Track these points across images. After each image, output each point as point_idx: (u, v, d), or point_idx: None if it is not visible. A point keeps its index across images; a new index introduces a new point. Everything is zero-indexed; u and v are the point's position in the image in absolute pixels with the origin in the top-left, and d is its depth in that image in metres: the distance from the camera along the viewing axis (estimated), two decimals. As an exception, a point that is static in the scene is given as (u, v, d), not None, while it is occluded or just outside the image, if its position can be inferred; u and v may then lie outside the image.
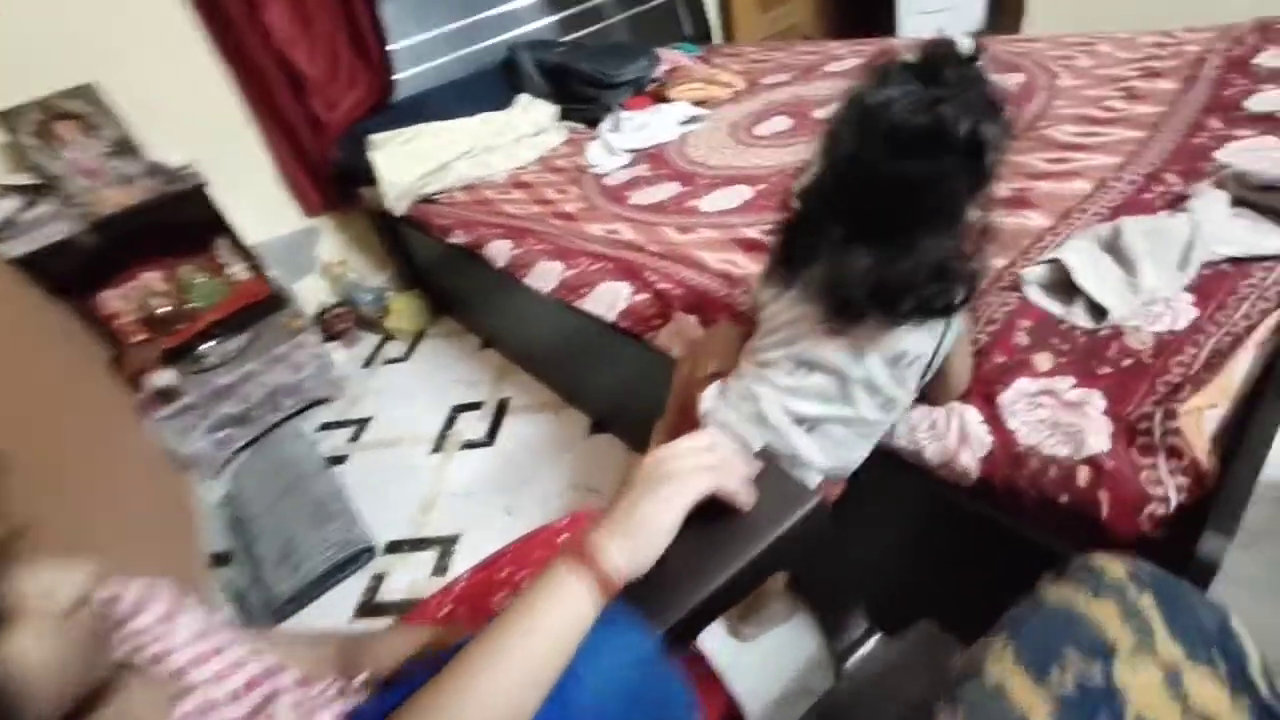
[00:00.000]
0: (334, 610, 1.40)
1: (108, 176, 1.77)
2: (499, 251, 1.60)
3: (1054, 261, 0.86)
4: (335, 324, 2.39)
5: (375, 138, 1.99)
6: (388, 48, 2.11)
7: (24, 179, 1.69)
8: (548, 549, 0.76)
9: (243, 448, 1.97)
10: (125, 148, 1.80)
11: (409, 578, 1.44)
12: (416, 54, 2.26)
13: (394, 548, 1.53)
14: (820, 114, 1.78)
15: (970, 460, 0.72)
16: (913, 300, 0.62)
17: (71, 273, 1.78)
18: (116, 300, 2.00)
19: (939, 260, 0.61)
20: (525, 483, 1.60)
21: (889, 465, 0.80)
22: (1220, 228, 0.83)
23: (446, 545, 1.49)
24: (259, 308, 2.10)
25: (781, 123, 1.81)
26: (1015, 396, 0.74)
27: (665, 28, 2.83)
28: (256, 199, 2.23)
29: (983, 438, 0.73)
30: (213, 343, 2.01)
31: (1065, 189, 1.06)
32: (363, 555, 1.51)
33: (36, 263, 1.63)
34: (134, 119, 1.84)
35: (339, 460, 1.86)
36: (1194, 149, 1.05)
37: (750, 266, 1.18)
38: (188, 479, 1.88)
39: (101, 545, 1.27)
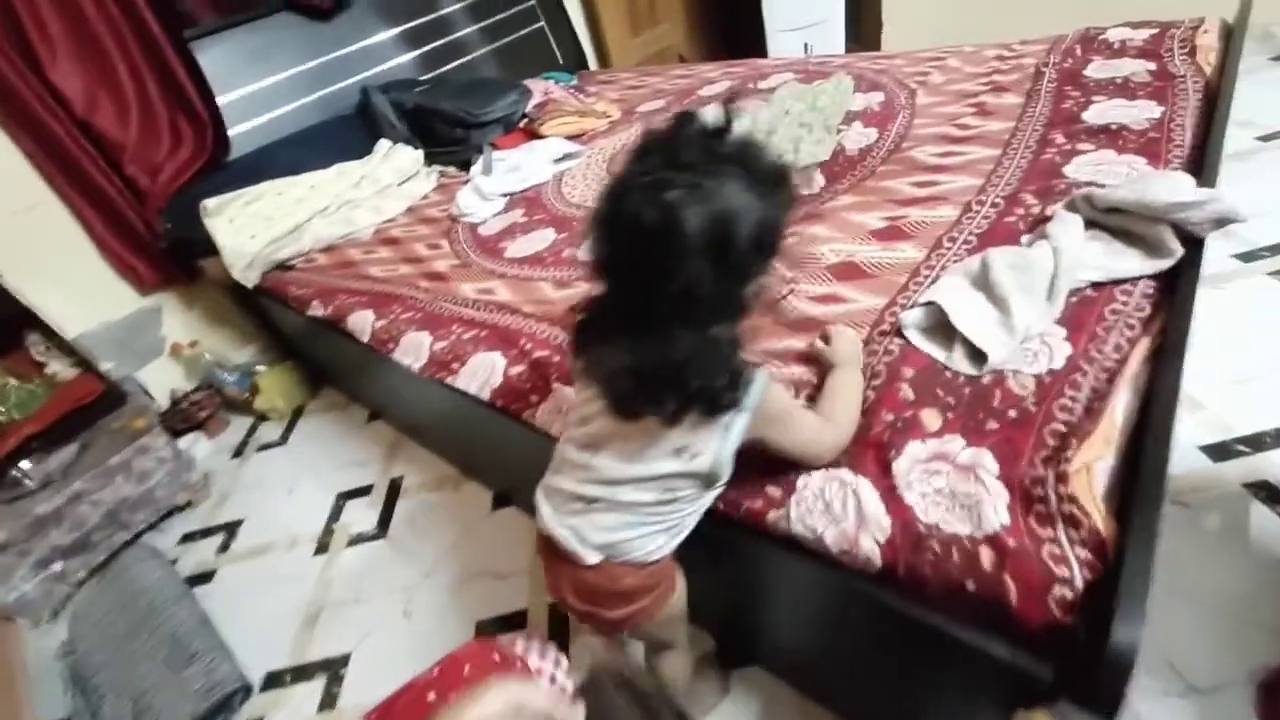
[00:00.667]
0: (200, 777, 1.18)
1: None
2: (362, 324, 1.43)
3: (931, 304, 0.82)
4: (194, 412, 2.10)
5: (210, 203, 1.76)
6: (216, 100, 1.88)
7: None
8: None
9: (86, 578, 1.67)
10: (-124, 246, 1.48)
11: (293, 717, 1.23)
12: (254, 104, 2.03)
13: (273, 680, 1.32)
14: (695, 143, 1.73)
15: (871, 546, 0.66)
16: (674, 397, 0.59)
17: None
18: (-103, 424, 1.65)
19: (690, 354, 0.58)
20: (425, 576, 1.43)
21: (787, 552, 0.72)
22: (1079, 253, 0.82)
23: (335, 668, 1.30)
24: (90, 410, 1.80)
25: (658, 154, 1.75)
26: (909, 464, 0.69)
27: (536, 57, 2.73)
28: (75, 282, 1.92)
29: (881, 519, 0.66)
30: (28, 462, 1.69)
31: (934, 216, 1.05)
32: (235, 697, 1.28)
33: None
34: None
35: (204, 579, 1.61)
36: (1045, 166, 1.07)
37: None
38: (14, 632, 1.56)
39: None
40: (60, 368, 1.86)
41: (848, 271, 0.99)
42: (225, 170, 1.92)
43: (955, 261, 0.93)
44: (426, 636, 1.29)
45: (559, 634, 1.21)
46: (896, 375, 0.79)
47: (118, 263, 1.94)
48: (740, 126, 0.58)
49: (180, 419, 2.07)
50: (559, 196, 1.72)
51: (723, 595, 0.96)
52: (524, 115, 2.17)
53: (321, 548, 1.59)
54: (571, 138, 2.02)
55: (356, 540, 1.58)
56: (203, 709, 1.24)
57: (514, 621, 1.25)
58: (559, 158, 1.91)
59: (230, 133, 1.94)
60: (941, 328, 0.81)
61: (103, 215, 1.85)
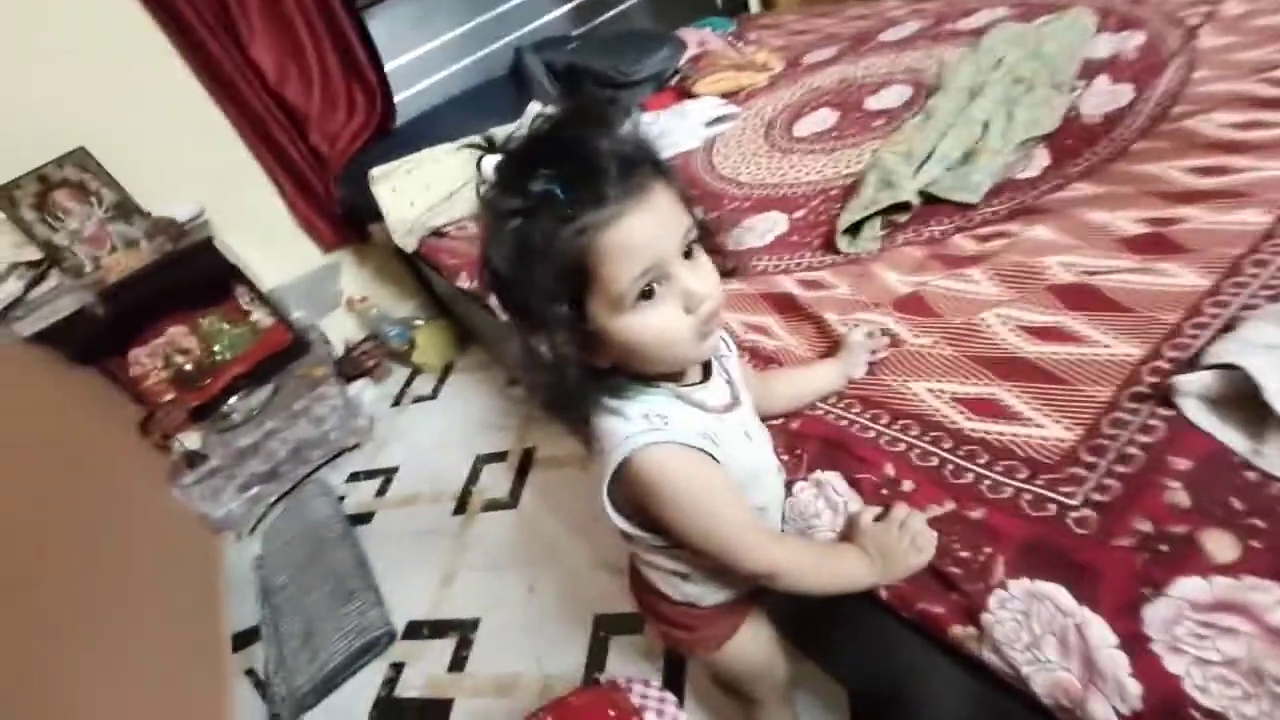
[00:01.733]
0: (352, 708, 1.32)
1: (112, 241, 1.72)
2: (503, 302, 1.42)
3: (1229, 367, 0.58)
4: (363, 361, 2.31)
5: (376, 171, 1.84)
6: (384, 67, 1.94)
7: (28, 254, 1.66)
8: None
9: (276, 501, 1.94)
10: (126, 209, 1.74)
11: (426, 671, 1.33)
12: (416, 70, 2.08)
13: (413, 630, 1.43)
14: (874, 104, 1.47)
15: (1106, 714, 0.49)
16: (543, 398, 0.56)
17: (90, 340, 1.75)
18: (145, 358, 1.99)
19: (520, 358, 0.54)
20: (550, 554, 1.45)
21: (973, 678, 0.57)
22: None
23: (466, 631, 1.37)
24: (281, 357, 2.04)
25: (825, 118, 1.52)
26: (1176, 611, 0.49)
27: (693, 1, 2.51)
28: (271, 241, 2.15)
29: (1123, 680, 0.49)
30: (236, 398, 1.96)
31: (1228, 222, 0.75)
32: (382, 639, 1.41)
33: (52, 336, 1.61)
34: (134, 177, 1.78)
35: (365, 519, 1.79)
36: None
37: (785, 337, 0.94)
38: (219, 544, 1.86)
39: (116, 626, 1.23)
40: (261, 316, 2.11)
41: (1084, 297, 0.75)
42: (391, 137, 2.00)
43: (1266, 299, 0.66)
44: (546, 617, 1.31)
45: (678, 661, 1.15)
46: (1161, 466, 0.57)
47: (304, 223, 2.15)
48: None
49: (352, 366, 2.29)
50: (709, 168, 1.57)
51: (875, 676, 0.82)
52: (676, 71, 2.00)
53: (460, 507, 1.68)
54: (728, 96, 1.83)
55: (492, 505, 1.64)
56: (355, 646, 1.38)
57: (631, 624, 1.22)
58: (711, 120, 1.73)
59: (396, 99, 2.01)
60: (1243, 403, 0.57)
61: (293, 180, 2.04)
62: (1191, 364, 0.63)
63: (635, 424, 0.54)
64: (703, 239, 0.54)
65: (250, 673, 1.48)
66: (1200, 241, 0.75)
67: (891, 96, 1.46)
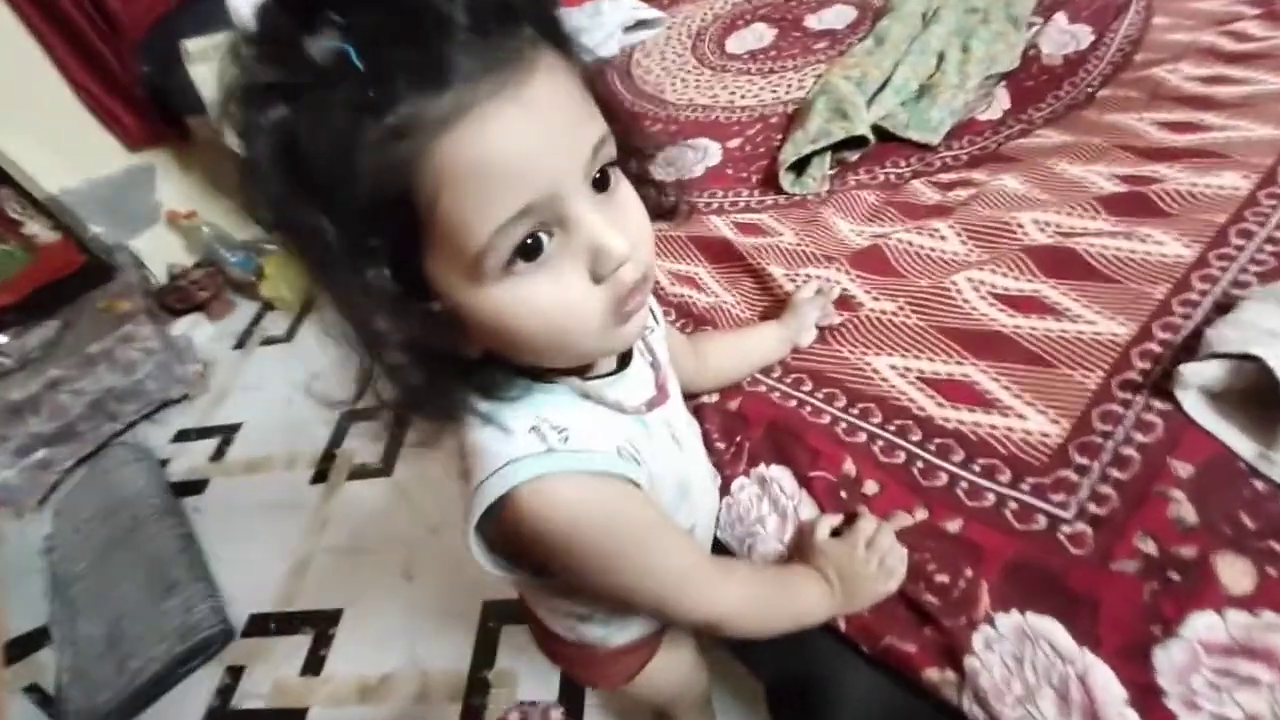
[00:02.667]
0: (173, 726, 1.08)
1: None
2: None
3: (1243, 358, 0.49)
4: (194, 292, 1.89)
5: (193, 45, 1.41)
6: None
7: None
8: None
9: (73, 468, 1.55)
10: None
11: (273, 675, 1.11)
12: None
13: (257, 626, 1.19)
14: (815, 24, 1.29)
15: (1114, 789, 0.40)
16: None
17: None
18: None
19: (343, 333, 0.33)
20: (432, 531, 1.25)
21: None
22: None
23: (324, 625, 1.16)
24: (69, 284, 1.59)
25: (761, 34, 1.32)
26: (1189, 657, 0.41)
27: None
28: (52, 132, 1.64)
29: (1136, 743, 0.40)
30: (4, 336, 1.51)
31: (1207, 185, 0.68)
32: (215, 640, 1.16)
33: None
34: None
35: (195, 488, 1.47)
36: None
37: (720, 292, 0.78)
38: (-5, 518, 1.47)
39: None
40: (39, 229, 1.63)
41: (1061, 263, 0.65)
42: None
43: (1257, 275, 0.59)
44: (426, 607, 1.13)
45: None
46: (1161, 471, 0.49)
47: (99, 110, 1.65)
48: None
49: (177, 297, 1.86)
50: (628, 80, 1.33)
51: (792, 673, 0.73)
52: (589, -39, 1.69)
53: (320, 475, 1.42)
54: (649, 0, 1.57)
55: (359, 474, 1.40)
56: (178, 650, 1.12)
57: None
58: (630, 25, 1.48)
59: (221, -51, 1.53)
60: (1249, 399, 0.49)
61: (74, 49, 1.53)
62: (1186, 348, 0.55)
63: (519, 442, 0.35)
64: (626, 159, 0.35)
65: (33, 689, 1.17)
66: (1180, 205, 0.67)
67: (834, 16, 1.30)
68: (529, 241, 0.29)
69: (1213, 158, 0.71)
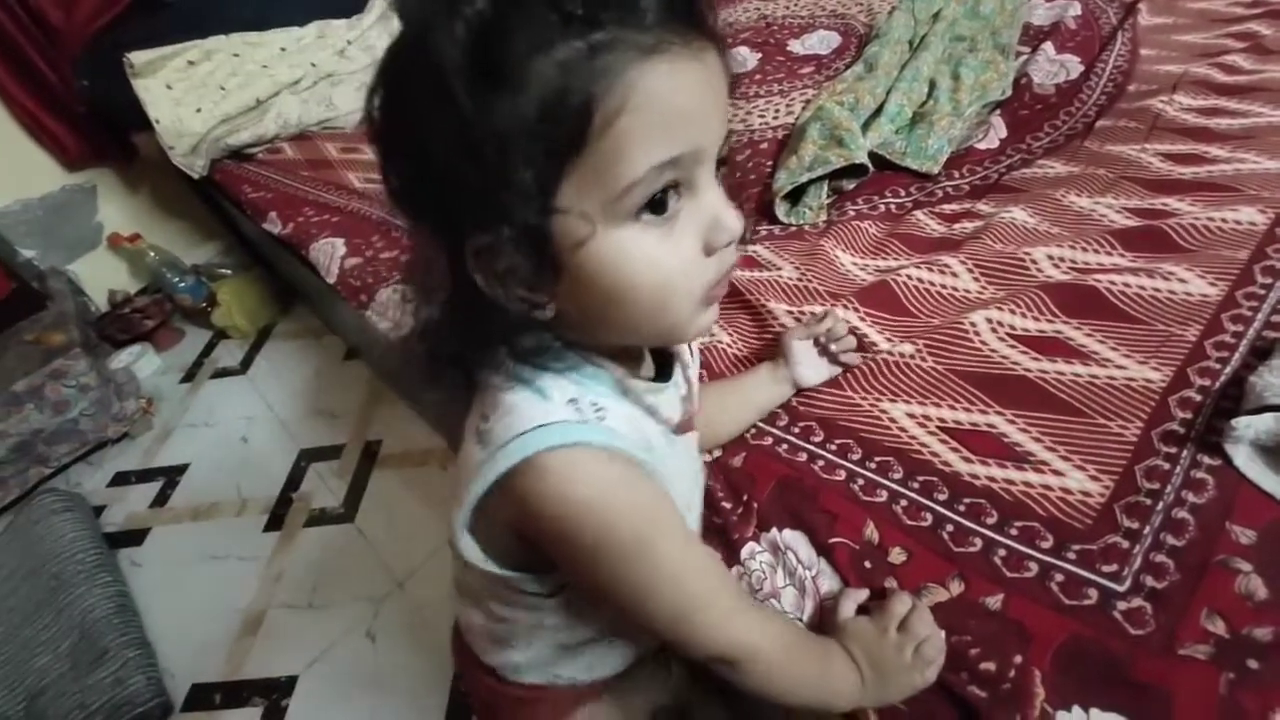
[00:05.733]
0: (97, 820, 0.95)
1: None
2: (328, 257, 1.06)
3: (1296, 411, 0.45)
4: (138, 320, 1.75)
5: (138, 58, 1.32)
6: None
7: None
8: None
9: (-5, 516, 1.40)
10: None
11: (217, 755, 0.99)
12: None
13: (199, 699, 1.06)
14: (799, 49, 1.27)
15: None
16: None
17: None
18: None
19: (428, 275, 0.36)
20: (399, 585, 1.14)
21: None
22: None
23: (278, 695, 1.04)
24: (-5, 314, 1.45)
25: (745, 58, 1.29)
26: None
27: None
28: (-21, 146, 1.50)
29: None
30: (-84, 374, 1.36)
31: (1225, 222, 0.65)
32: (149, 716, 1.03)
33: None
34: None
35: (134, 538, 1.33)
36: None
37: (716, 331, 0.72)
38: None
39: None
40: (-39, 254, 1.48)
41: (1082, 302, 0.61)
42: (163, 11, 1.44)
43: (1289, 313, 0.56)
44: (392, 671, 1.03)
45: None
46: (1219, 538, 0.44)
47: (33, 125, 1.52)
48: None
49: (119, 327, 1.73)
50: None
51: None
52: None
53: (275, 521, 1.30)
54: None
55: (318, 519, 1.28)
56: (107, 730, 0.99)
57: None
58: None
59: (172, -41, 1.45)
60: (1306, 456, 0.45)
61: (6, 60, 1.41)
62: (1227, 396, 0.51)
63: (557, 409, 0.34)
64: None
65: (-68, 780, 1.03)
66: (1198, 240, 0.64)
67: (817, 41, 1.28)
68: (661, 194, 0.30)
69: (1223, 191, 0.69)
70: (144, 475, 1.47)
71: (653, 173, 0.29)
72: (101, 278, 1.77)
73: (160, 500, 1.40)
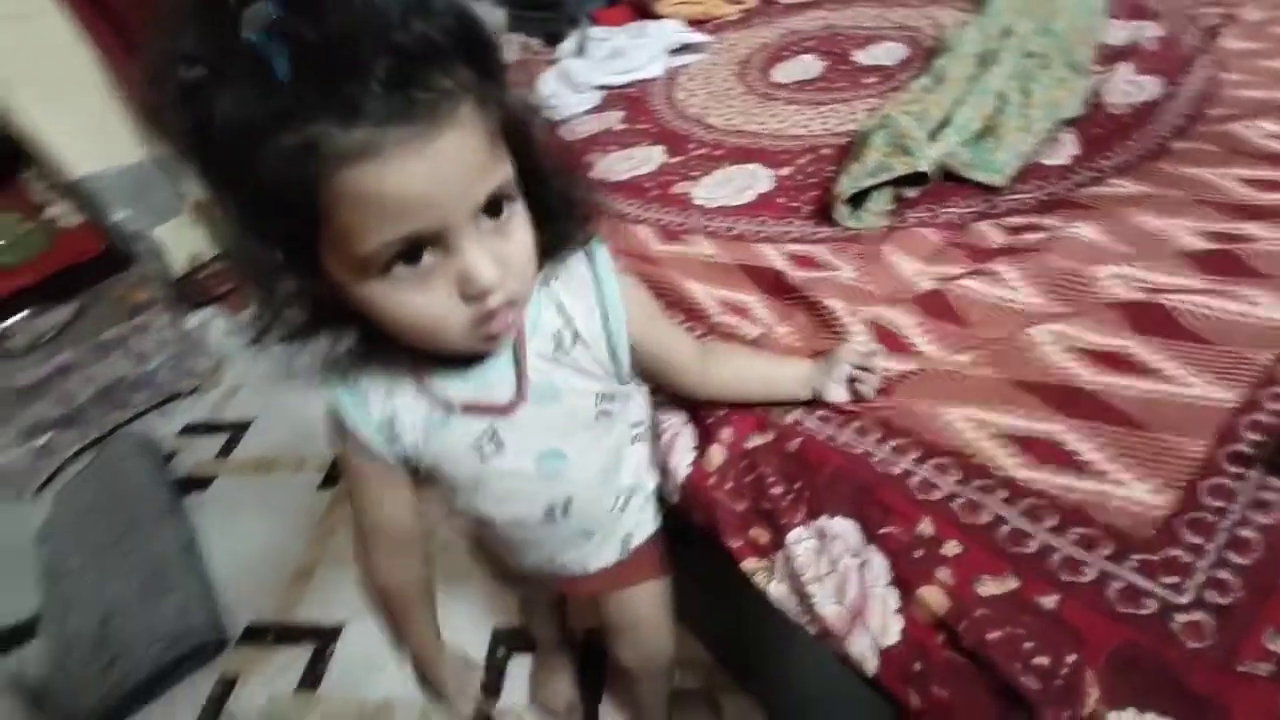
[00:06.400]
0: (158, 738, 1.02)
1: None
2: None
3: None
4: (213, 285, 1.86)
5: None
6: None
7: None
8: None
9: (76, 454, 1.51)
10: None
11: (268, 689, 1.05)
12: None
13: (254, 635, 1.14)
14: (864, 59, 1.28)
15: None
16: None
17: None
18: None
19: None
20: (444, 548, 1.19)
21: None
22: None
23: (325, 641, 1.10)
24: (88, 270, 1.56)
25: (809, 66, 1.31)
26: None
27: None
28: (85, 114, 1.62)
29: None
30: (19, 318, 1.48)
31: (1306, 249, 0.64)
32: (209, 647, 1.11)
33: None
34: None
35: (200, 485, 1.42)
36: None
37: (773, 324, 0.74)
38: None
39: None
40: (61, 213, 1.60)
41: (1150, 320, 0.62)
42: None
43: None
44: (432, 628, 1.08)
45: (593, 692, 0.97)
46: (1287, 562, 0.44)
47: (133, 94, 1.63)
48: None
49: (196, 289, 1.84)
50: (669, 103, 1.32)
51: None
52: (637, -18, 1.70)
53: (330, 480, 1.37)
54: (695, 23, 1.56)
55: (368, 482, 1.35)
56: (170, 655, 1.07)
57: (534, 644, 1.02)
58: (675, 48, 1.47)
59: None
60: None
61: (120, 34, 1.52)
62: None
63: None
64: (533, 189, 0.38)
65: (17, 682, 1.12)
66: (1275, 266, 0.64)
67: (883, 53, 1.29)
68: (411, 250, 0.33)
69: (1306, 220, 0.68)
70: (211, 428, 1.56)
71: (382, 249, 0.32)
72: (182, 243, 1.88)
73: (225, 451, 1.49)
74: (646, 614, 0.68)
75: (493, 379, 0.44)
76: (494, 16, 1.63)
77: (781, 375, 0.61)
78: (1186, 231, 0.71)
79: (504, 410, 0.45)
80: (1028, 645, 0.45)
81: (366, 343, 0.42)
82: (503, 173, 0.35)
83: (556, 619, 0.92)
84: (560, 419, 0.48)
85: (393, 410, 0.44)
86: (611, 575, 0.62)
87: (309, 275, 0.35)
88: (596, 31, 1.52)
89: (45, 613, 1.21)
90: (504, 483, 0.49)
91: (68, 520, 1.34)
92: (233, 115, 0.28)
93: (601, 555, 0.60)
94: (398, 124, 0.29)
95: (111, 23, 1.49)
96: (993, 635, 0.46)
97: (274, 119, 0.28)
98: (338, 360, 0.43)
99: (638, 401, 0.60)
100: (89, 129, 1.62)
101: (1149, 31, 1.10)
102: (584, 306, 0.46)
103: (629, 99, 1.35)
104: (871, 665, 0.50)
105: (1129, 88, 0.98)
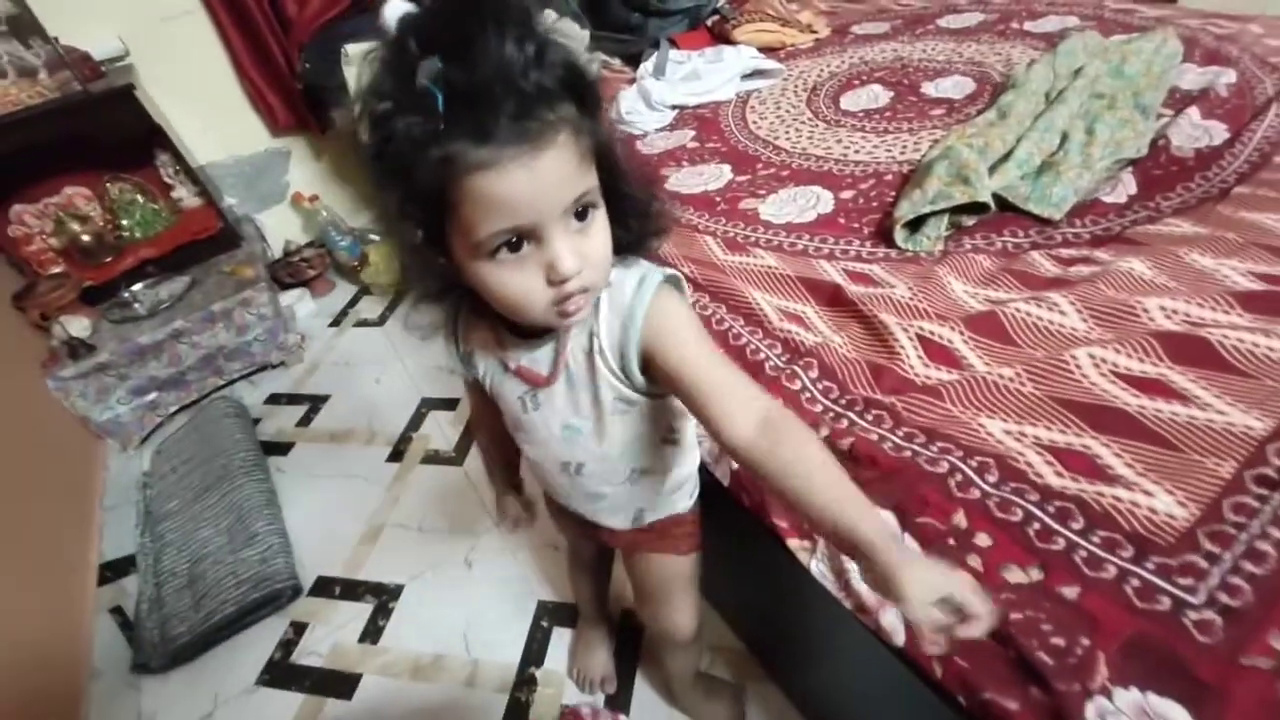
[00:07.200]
0: (238, 669, 1.13)
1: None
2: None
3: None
4: (303, 269, 2.03)
5: (354, 49, 1.56)
6: (380, -73, 1.63)
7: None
8: None
9: (176, 412, 1.68)
10: (23, 26, 1.39)
11: (333, 638, 1.16)
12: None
13: (323, 588, 1.25)
14: (932, 91, 1.33)
15: None
16: None
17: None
18: (30, 217, 1.65)
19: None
20: (495, 524, 1.29)
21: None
22: None
23: (386, 598, 1.20)
24: (204, 246, 1.74)
25: (877, 95, 1.37)
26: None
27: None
28: (211, 107, 1.83)
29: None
30: (142, 285, 1.67)
31: (1355, 295, 0.67)
32: (285, 594, 1.22)
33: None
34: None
35: (281, 449, 1.56)
36: None
37: (828, 334, 0.81)
38: (99, 452, 1.59)
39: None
40: (185, 194, 1.80)
41: (1191, 351, 0.65)
42: (373, 12, 1.70)
43: None
44: (481, 595, 1.17)
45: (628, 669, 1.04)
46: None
47: (255, 95, 1.83)
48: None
49: (288, 271, 2.01)
50: (741, 124, 1.39)
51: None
52: (715, 11, 1.79)
53: (397, 454, 1.49)
54: (767, 51, 1.64)
55: (432, 459, 1.46)
56: (251, 597, 1.18)
57: (577, 616, 1.09)
58: (749, 73, 1.55)
59: (387, -31, 1.71)
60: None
61: (248, 39, 1.71)
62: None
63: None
64: (615, 199, 0.47)
65: (117, 611, 1.26)
66: (1330, 312, 0.66)
67: (952, 86, 1.33)
68: (514, 240, 0.41)
69: (1360, 268, 0.70)
70: (293, 399, 1.71)
71: (492, 236, 0.40)
72: (280, 228, 2.07)
73: (305, 421, 1.63)
74: (665, 584, 0.74)
75: (539, 357, 0.54)
76: (583, 37, 1.75)
77: (858, 511, 0.42)
78: (1236, 272, 0.74)
79: (541, 383, 0.54)
80: (1045, 627, 0.50)
81: (473, 307, 0.53)
82: (589, 184, 0.43)
83: (596, 586, 0.98)
84: (581, 402, 0.55)
85: (473, 348, 0.57)
86: (630, 538, 0.70)
87: (440, 254, 0.45)
88: (675, 54, 1.62)
89: (142, 552, 1.35)
90: (536, 433, 0.58)
91: (167, 469, 1.50)
92: (404, 135, 0.38)
93: (613, 519, 0.67)
94: (513, 145, 0.38)
95: (244, 31, 1.68)
96: (1014, 616, 0.50)
97: (431, 138, 0.38)
98: (452, 314, 0.56)
99: (679, 418, 0.61)
100: (215, 122, 1.82)
101: (1224, 78, 1.11)
102: (612, 318, 0.51)
103: (701, 119, 1.44)
104: (900, 637, 0.55)
105: (1195, 132, 1.00)
